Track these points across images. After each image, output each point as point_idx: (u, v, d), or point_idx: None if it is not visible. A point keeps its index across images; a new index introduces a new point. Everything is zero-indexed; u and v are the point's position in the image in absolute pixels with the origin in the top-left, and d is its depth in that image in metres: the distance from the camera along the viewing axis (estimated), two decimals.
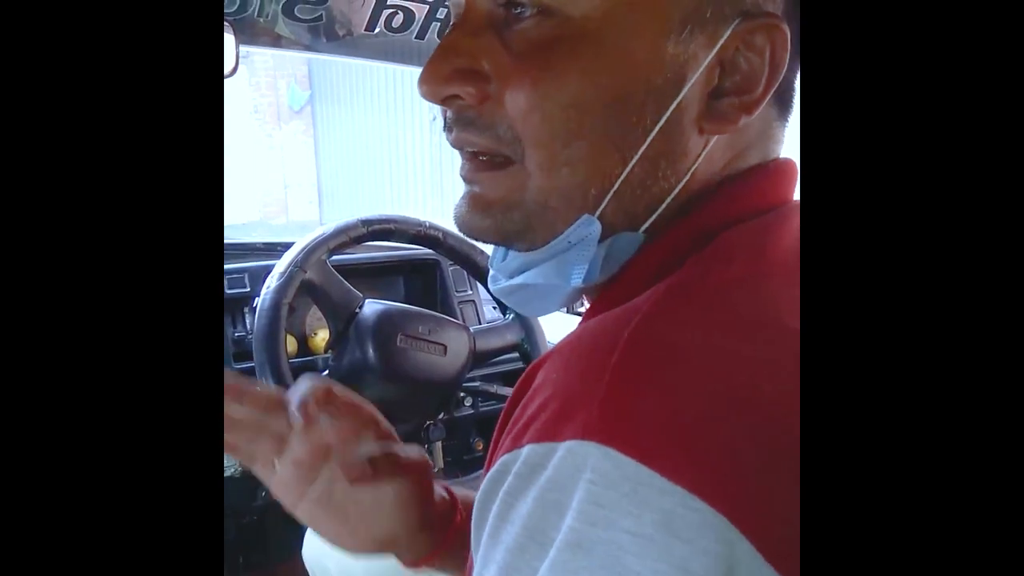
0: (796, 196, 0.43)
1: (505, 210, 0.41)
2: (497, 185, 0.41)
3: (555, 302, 0.44)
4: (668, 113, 0.38)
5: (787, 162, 0.43)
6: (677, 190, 0.40)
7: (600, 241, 0.40)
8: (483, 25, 0.40)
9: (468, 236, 0.43)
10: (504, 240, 0.43)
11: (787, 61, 0.39)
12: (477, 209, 0.42)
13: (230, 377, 0.50)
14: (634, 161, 0.39)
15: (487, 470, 0.35)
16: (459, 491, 0.59)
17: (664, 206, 0.40)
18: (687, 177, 0.40)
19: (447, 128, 0.42)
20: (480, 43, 0.39)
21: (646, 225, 0.41)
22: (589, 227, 0.40)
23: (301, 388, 0.52)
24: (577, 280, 0.41)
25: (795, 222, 0.40)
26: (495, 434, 0.38)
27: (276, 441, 0.51)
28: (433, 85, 0.40)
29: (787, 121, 0.44)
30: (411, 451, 0.55)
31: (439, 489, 0.58)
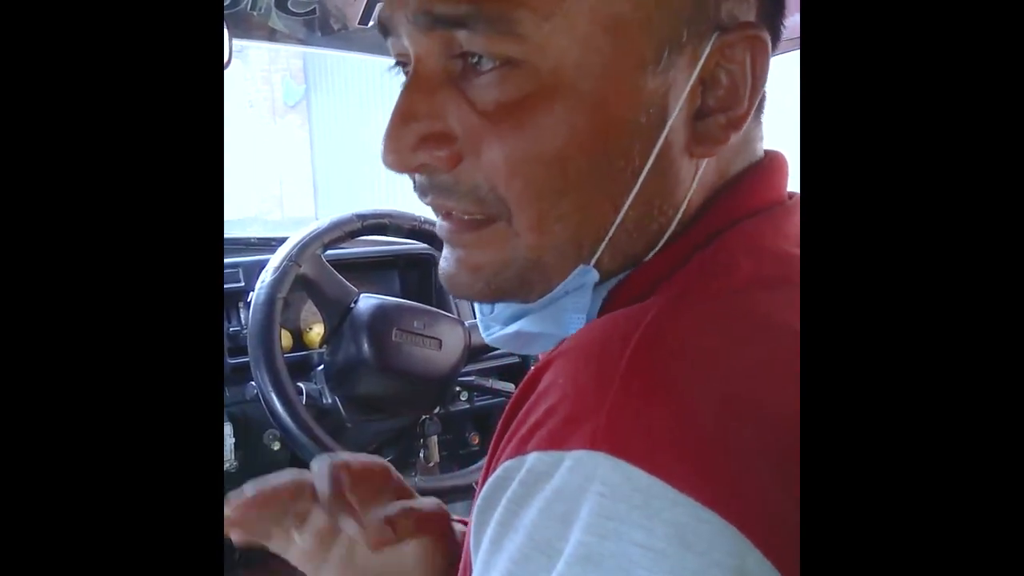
0: (789, 188, 0.43)
1: (497, 271, 0.39)
2: (484, 246, 0.39)
3: (554, 342, 0.42)
4: (657, 149, 0.37)
5: (775, 156, 0.42)
6: (675, 223, 0.38)
7: (598, 285, 0.39)
8: (438, 82, 0.37)
9: (457, 296, 0.41)
10: (498, 299, 0.41)
11: (768, 69, 0.37)
12: (466, 270, 0.40)
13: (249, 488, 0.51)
14: (627, 205, 0.37)
15: (487, 472, 0.34)
16: None
17: (664, 241, 0.39)
18: (684, 206, 0.38)
19: (421, 192, 0.40)
20: (440, 102, 0.37)
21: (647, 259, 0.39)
22: (585, 276, 0.38)
23: (322, 469, 0.50)
24: (574, 329, 0.38)
25: (795, 215, 0.40)
26: (496, 435, 0.37)
27: (298, 517, 0.51)
28: (400, 156, 0.38)
29: (763, 113, 0.43)
30: (427, 503, 0.54)
31: (464, 528, 0.58)
